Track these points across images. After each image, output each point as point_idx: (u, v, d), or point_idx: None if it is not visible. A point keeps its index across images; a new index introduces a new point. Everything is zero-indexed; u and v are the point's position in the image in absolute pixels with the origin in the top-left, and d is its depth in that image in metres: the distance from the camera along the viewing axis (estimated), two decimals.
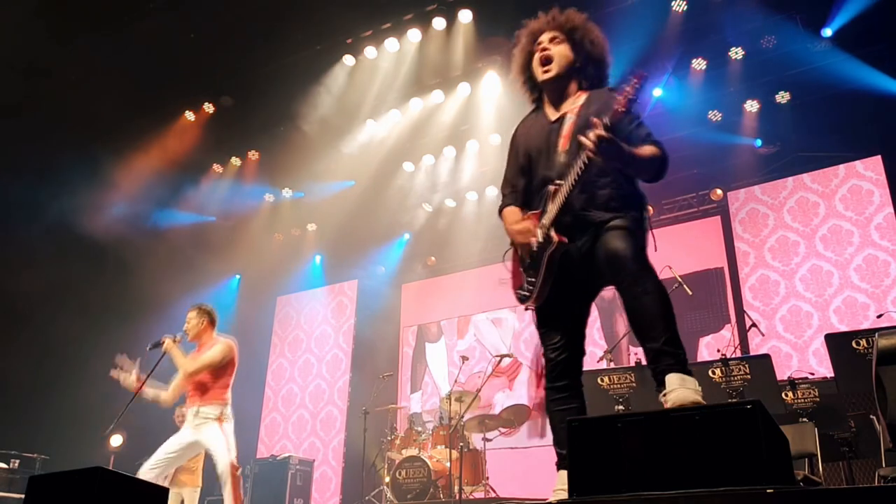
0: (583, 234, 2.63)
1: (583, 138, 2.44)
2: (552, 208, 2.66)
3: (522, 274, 2.81)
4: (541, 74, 2.84)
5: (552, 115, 2.85)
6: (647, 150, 2.58)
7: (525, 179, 2.87)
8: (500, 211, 2.99)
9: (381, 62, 7.85)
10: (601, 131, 2.39)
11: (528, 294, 2.75)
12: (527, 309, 2.81)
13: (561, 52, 2.82)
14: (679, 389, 2.31)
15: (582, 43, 2.84)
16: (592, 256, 2.60)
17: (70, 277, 7.90)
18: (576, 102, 2.79)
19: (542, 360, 2.82)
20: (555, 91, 2.87)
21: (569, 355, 2.71)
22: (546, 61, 2.83)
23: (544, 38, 2.86)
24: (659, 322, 2.43)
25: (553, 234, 2.63)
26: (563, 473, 2.55)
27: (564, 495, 2.26)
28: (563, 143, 2.73)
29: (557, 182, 2.67)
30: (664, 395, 2.35)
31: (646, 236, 2.63)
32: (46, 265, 7.83)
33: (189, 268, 9.69)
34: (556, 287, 2.69)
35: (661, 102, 7.70)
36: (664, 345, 2.40)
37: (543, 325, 2.77)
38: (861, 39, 6.77)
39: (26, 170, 7.75)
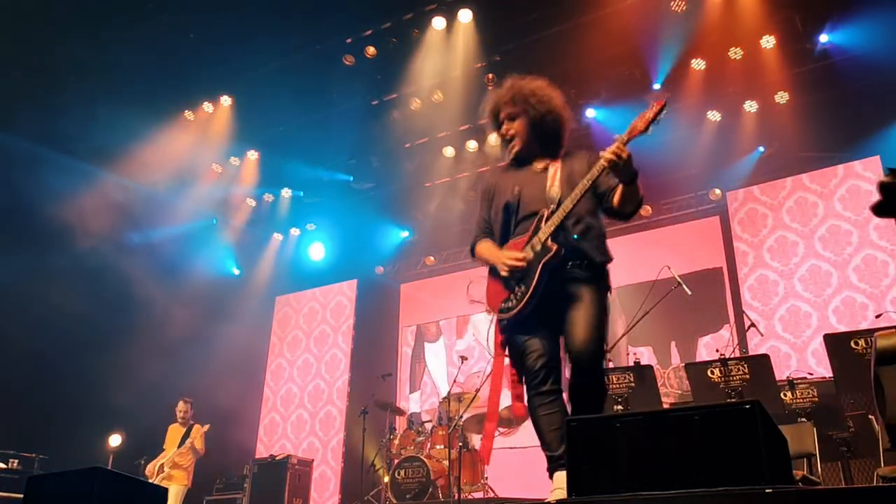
0: (574, 258, 2.82)
1: (605, 152, 2.66)
2: (546, 226, 2.82)
3: (504, 290, 2.91)
4: (509, 151, 3.07)
5: (535, 165, 3.04)
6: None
7: (502, 217, 3.03)
8: (473, 247, 3.17)
9: (382, 61, 7.85)
10: (621, 145, 2.65)
11: (513, 305, 2.84)
12: (501, 320, 2.91)
13: (518, 128, 3.01)
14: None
15: (536, 114, 2.98)
16: (569, 282, 2.79)
17: (66, 275, 7.89)
18: (555, 157, 3.03)
19: (513, 370, 2.91)
20: (528, 153, 3.06)
21: (550, 360, 2.79)
22: (509, 139, 3.05)
23: (502, 114, 3.05)
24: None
25: (550, 242, 2.78)
26: (559, 474, 2.56)
27: (563, 495, 2.26)
28: (549, 184, 2.93)
29: (552, 207, 2.84)
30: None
31: (608, 306, 2.83)
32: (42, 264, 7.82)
33: (186, 267, 9.68)
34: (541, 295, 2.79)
35: None
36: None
37: (523, 332, 2.84)
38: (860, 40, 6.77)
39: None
